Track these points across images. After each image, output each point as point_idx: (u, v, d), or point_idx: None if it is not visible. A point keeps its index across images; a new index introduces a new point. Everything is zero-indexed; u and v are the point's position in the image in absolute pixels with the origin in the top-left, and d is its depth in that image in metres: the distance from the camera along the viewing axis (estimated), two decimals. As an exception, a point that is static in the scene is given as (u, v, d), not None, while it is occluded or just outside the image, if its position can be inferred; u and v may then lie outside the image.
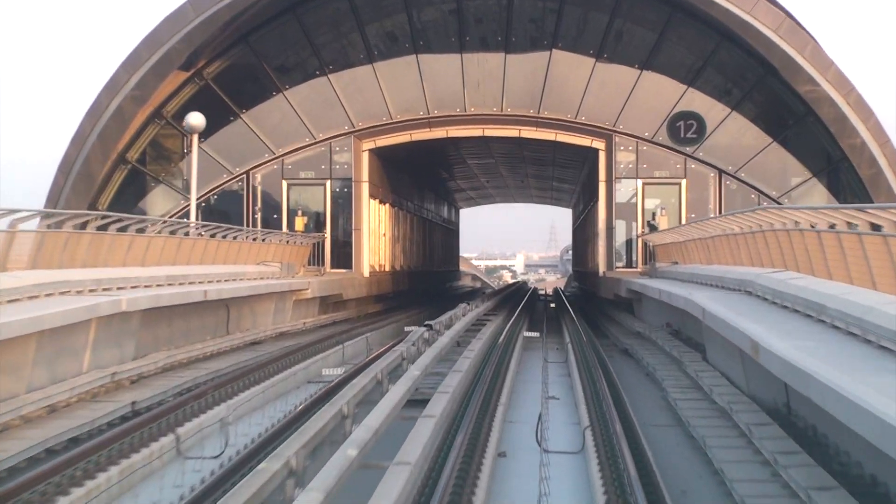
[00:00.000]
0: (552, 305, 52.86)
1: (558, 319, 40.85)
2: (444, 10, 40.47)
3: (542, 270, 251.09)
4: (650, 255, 40.82)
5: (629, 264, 41.70)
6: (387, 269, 48.08)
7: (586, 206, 55.29)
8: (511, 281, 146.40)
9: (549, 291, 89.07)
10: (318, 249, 40.96)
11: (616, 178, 41.63)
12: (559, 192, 71.08)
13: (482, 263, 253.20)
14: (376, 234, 45.43)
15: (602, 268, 41.88)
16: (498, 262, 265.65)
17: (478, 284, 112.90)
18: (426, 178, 60.90)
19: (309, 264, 40.39)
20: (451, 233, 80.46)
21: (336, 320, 37.02)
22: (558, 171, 57.89)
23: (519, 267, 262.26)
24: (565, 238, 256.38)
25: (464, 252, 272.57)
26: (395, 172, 50.30)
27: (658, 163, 41.57)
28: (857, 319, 11.69)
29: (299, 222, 40.26)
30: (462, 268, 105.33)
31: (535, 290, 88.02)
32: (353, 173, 41.57)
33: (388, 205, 48.33)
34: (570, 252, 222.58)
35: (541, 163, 55.44)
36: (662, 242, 37.57)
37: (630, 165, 41.65)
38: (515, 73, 41.05)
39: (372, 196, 43.71)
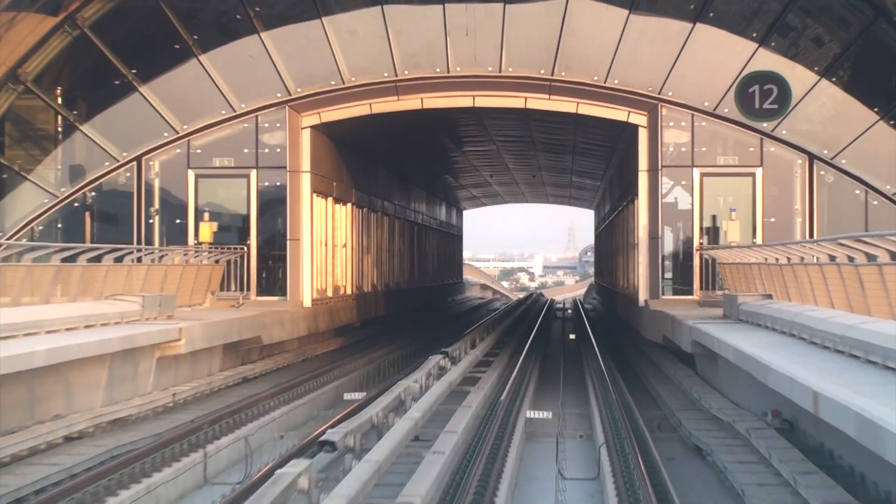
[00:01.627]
0: (571, 338, 40.46)
1: (581, 370, 28.49)
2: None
3: (560, 272, 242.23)
4: (709, 273, 28.63)
5: (681, 288, 29.28)
6: (348, 291, 35.77)
7: (616, 207, 42.81)
8: (523, 294, 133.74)
9: (568, 305, 76.55)
10: (240, 269, 28.73)
11: (663, 166, 29.24)
12: (579, 189, 58.58)
13: (499, 266, 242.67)
14: (328, 246, 33.12)
15: (643, 294, 29.45)
16: (515, 265, 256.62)
17: (488, 295, 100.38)
18: (413, 173, 48.58)
19: (226, 289, 28.20)
20: (451, 239, 68.13)
21: (248, 377, 24.74)
22: (578, 162, 45.38)
23: (537, 269, 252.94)
24: (584, 238, 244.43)
25: (479, 254, 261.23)
26: (362, 162, 37.95)
27: (723, 145, 29.30)
28: None
29: (205, 230, 27.96)
30: (468, 276, 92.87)
31: (552, 303, 75.48)
32: (287, 160, 29.28)
33: (349, 205, 36.02)
34: (590, 254, 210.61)
35: (556, 149, 42.93)
36: (735, 261, 25.27)
37: (683, 149, 29.33)
38: (519, 18, 28.69)
39: (319, 192, 31.41)
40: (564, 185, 57.64)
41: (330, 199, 33.11)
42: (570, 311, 62.46)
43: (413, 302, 49.96)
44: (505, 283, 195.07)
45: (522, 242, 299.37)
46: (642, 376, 27.17)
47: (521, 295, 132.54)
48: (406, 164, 44.67)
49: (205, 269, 26.77)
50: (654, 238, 29.38)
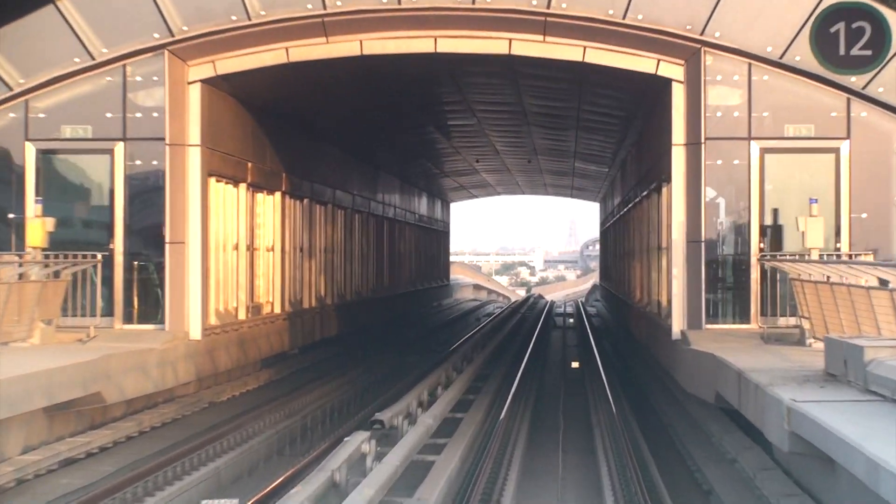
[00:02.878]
0: (574, 366, 31.43)
1: (588, 428, 19.51)
2: None
3: (561, 266, 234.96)
4: (772, 291, 20.05)
5: (733, 314, 20.43)
6: (276, 309, 26.91)
7: (631, 198, 33.91)
8: (523, 291, 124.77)
9: (569, 309, 67.52)
10: (95, 286, 19.87)
11: (707, 139, 20.38)
12: (583, 177, 49.61)
13: (500, 260, 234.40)
14: (239, 250, 24.25)
15: (678, 320, 20.51)
16: (516, 259, 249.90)
17: (483, 296, 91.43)
18: (381, 156, 39.64)
19: (74, 314, 19.45)
20: (435, 236, 59.25)
21: (77, 456, 15.89)
22: (583, 142, 36.38)
23: (538, 263, 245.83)
24: (585, 231, 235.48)
25: (479, 248, 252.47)
26: (300, 139, 29.10)
27: (793, 108, 20.47)
28: None
29: (35, 230, 18.92)
30: (458, 276, 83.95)
31: (551, 308, 66.48)
32: (166, 128, 20.41)
33: (277, 195, 27.12)
34: (592, 248, 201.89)
35: (554, 124, 33.94)
36: (823, 279, 16.58)
37: (736, 114, 20.57)
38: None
39: (221, 176, 22.56)
40: (565, 173, 48.73)
41: (243, 186, 24.22)
42: (571, 319, 53.51)
43: (381, 314, 41.08)
44: (505, 279, 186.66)
45: (523, 236, 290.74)
46: (679, 443, 18.28)
47: (520, 293, 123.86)
48: (368, 143, 35.75)
49: (31, 287, 17.90)
50: (694, 242, 20.48)
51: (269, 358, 26.31)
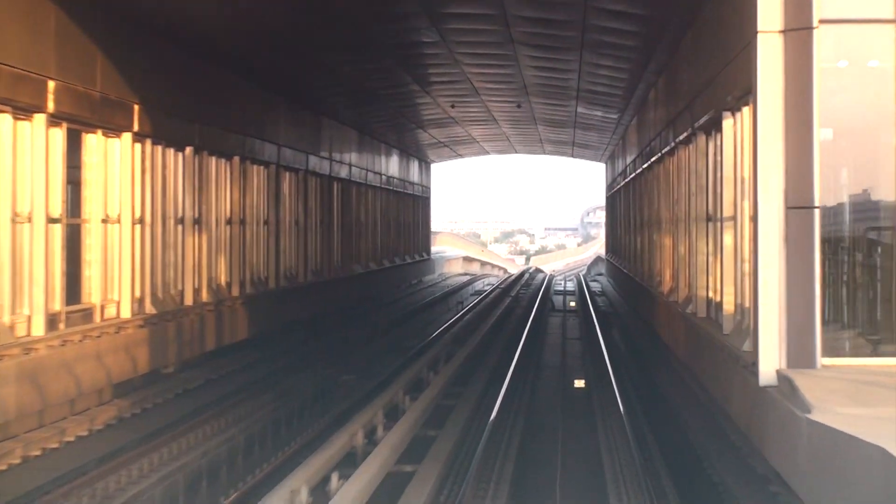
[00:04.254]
0: (579, 385, 22.30)
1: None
2: None
3: (561, 234, 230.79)
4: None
5: (872, 339, 11.31)
6: (122, 313, 17.78)
7: (658, 149, 24.70)
8: (522, 260, 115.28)
9: (570, 286, 58.37)
10: None
11: (825, 20, 11.18)
12: (586, 128, 40.22)
13: (499, 228, 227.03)
14: (33, 223, 15.10)
15: (771, 352, 11.26)
16: (516, 226, 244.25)
17: (474, 269, 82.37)
18: (328, 101, 30.40)
19: None
20: (412, 202, 50.06)
21: None
22: (589, 73, 27.00)
23: (537, 231, 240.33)
24: (589, 196, 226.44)
25: (476, 215, 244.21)
26: (178, 58, 19.88)
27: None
28: None
29: None
30: (445, 247, 74.79)
31: (550, 284, 57.29)
32: None
33: (124, 136, 17.89)
34: (592, 215, 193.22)
35: (550, 49, 24.48)
36: None
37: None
38: None
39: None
40: (565, 123, 39.43)
41: (41, 120, 15.04)
42: (573, 302, 44.34)
43: (329, 302, 32.02)
44: (504, 247, 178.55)
45: (521, 202, 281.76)
46: None
47: (519, 261, 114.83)
48: (304, 80, 26.53)
49: None
50: (798, 209, 11.28)
51: (122, 384, 17.31)
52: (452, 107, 34.01)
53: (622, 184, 39.52)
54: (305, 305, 29.09)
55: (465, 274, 73.94)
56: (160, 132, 18.85)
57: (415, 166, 50.34)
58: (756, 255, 11.43)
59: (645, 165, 28.11)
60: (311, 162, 30.00)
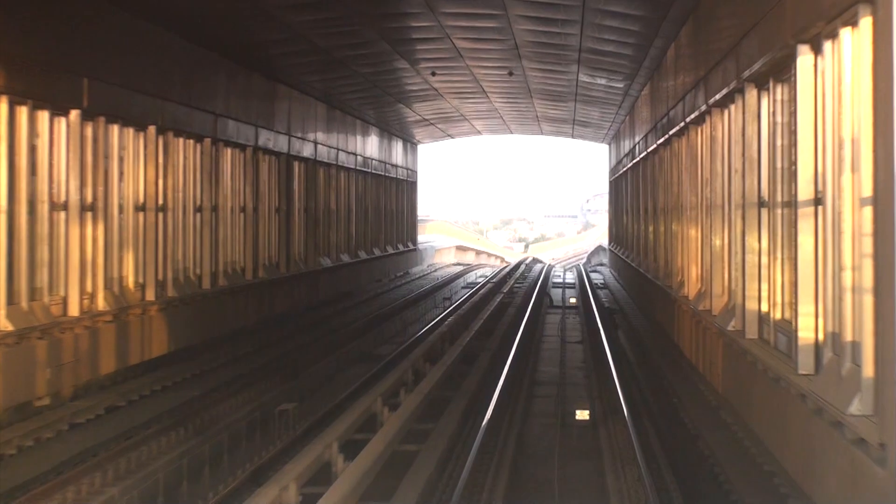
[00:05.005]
0: (581, 417, 17.64)
1: None
2: None
3: (560, 221, 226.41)
4: None
5: None
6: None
7: (678, 119, 19.95)
8: (521, 249, 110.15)
9: (569, 278, 53.55)
10: None
11: None
12: (588, 102, 35.39)
13: (499, 215, 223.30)
14: None
15: (871, 404, 6.59)
16: (516, 214, 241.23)
17: (468, 259, 77.65)
18: (282, 66, 25.59)
19: None
20: (396, 187, 45.32)
21: None
22: (592, 31, 22.10)
23: (537, 218, 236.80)
24: (588, 182, 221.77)
25: (479, 204, 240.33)
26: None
27: None
28: None
29: None
30: (435, 236, 69.99)
31: (549, 275, 52.48)
32: None
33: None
34: (592, 202, 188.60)
35: (548, 2, 19.75)
36: None
37: None
38: None
39: None
40: (564, 96, 34.61)
41: None
42: (573, 298, 39.49)
43: (288, 302, 27.31)
44: (503, 235, 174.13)
45: (521, 189, 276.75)
46: None
47: (516, 251, 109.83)
48: (251, 40, 21.73)
49: None
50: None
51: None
52: (433, 74, 29.19)
53: (629, 165, 34.79)
54: (256, 308, 24.39)
55: (458, 264, 69.14)
56: (22, 87, 14.09)
57: (398, 147, 45.57)
58: (879, 261, 6.69)
59: (660, 141, 23.36)
60: (263, 137, 25.23)
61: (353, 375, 20.60)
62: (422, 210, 67.87)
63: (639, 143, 29.81)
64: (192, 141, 20.84)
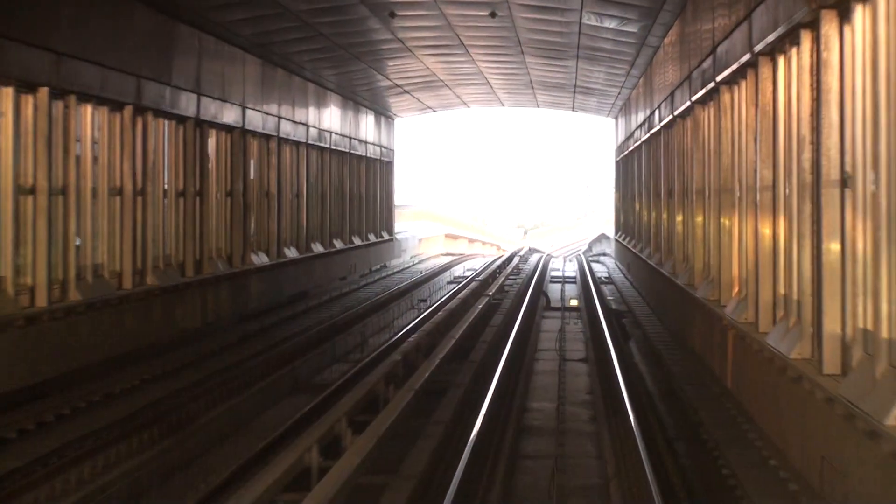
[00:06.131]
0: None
1: None
2: None
3: (562, 205, 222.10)
4: None
5: None
6: None
7: (711, 70, 13.19)
8: (512, 248, 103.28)
9: (570, 271, 46.75)
10: None
11: None
12: (592, 59, 28.51)
13: (497, 200, 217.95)
14: None
15: None
16: (514, 197, 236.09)
17: (460, 249, 70.93)
18: (189, 6, 18.95)
19: None
20: (364, 167, 38.55)
21: None
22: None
23: (536, 202, 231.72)
24: (590, 163, 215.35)
25: (477, 189, 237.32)
26: None
27: None
28: None
29: None
30: (419, 222, 63.14)
31: (546, 269, 45.67)
32: None
33: None
34: (594, 187, 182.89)
35: None
36: None
37: None
38: None
39: None
40: (563, 54, 27.79)
41: None
42: (574, 301, 32.58)
43: (202, 312, 20.61)
44: (500, 220, 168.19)
45: (519, 170, 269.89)
46: None
47: (513, 238, 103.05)
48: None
49: None
50: None
51: None
52: (392, 16, 22.33)
53: (644, 138, 28.10)
54: (139, 327, 17.71)
55: (448, 254, 62.34)
56: None
57: (369, 121, 38.81)
58: None
59: (697, 97, 16.70)
60: (150, 93, 18.47)
61: (270, 422, 14.24)
62: (408, 195, 61.32)
63: (660, 106, 23.11)
64: (25, 94, 14.19)
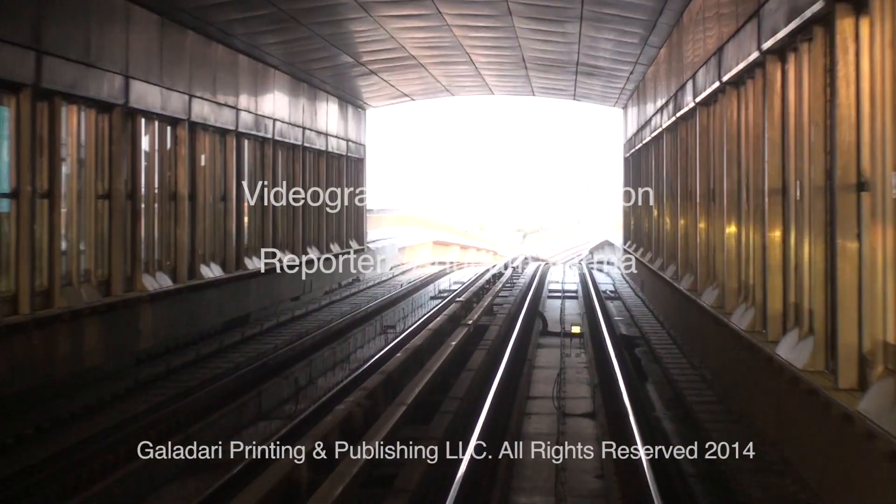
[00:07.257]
0: None
1: None
2: None
3: (561, 208, 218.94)
4: None
5: None
6: None
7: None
8: (508, 256, 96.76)
9: (570, 282, 40.46)
10: None
11: None
12: (600, 28, 22.34)
13: (495, 204, 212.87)
14: None
15: None
16: (512, 201, 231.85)
17: (451, 256, 64.58)
18: None
19: None
20: (327, 165, 32.26)
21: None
22: None
23: (534, 205, 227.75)
24: (591, 162, 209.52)
25: (476, 192, 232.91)
26: None
27: None
28: None
29: None
30: (402, 228, 56.74)
31: (541, 286, 39.31)
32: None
33: None
34: (595, 189, 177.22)
35: None
36: None
37: None
38: None
39: None
40: (563, 19, 21.60)
41: None
42: (576, 328, 26.23)
43: (50, 360, 14.41)
44: (498, 225, 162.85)
45: (517, 171, 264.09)
46: None
47: (509, 244, 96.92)
48: None
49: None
50: None
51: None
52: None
53: (665, 126, 21.90)
54: None
55: (435, 263, 55.97)
56: None
57: (331, 109, 32.53)
58: None
59: (723, 80, 10.55)
60: (48, 68, 12.24)
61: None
62: (391, 199, 55.20)
63: (679, 92, 16.91)
64: None
